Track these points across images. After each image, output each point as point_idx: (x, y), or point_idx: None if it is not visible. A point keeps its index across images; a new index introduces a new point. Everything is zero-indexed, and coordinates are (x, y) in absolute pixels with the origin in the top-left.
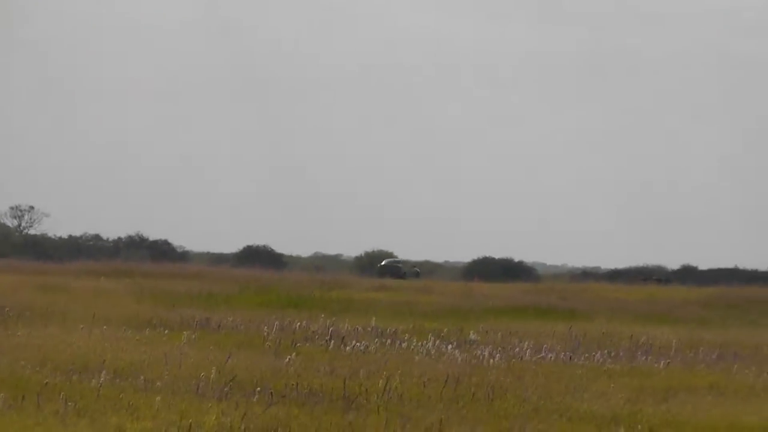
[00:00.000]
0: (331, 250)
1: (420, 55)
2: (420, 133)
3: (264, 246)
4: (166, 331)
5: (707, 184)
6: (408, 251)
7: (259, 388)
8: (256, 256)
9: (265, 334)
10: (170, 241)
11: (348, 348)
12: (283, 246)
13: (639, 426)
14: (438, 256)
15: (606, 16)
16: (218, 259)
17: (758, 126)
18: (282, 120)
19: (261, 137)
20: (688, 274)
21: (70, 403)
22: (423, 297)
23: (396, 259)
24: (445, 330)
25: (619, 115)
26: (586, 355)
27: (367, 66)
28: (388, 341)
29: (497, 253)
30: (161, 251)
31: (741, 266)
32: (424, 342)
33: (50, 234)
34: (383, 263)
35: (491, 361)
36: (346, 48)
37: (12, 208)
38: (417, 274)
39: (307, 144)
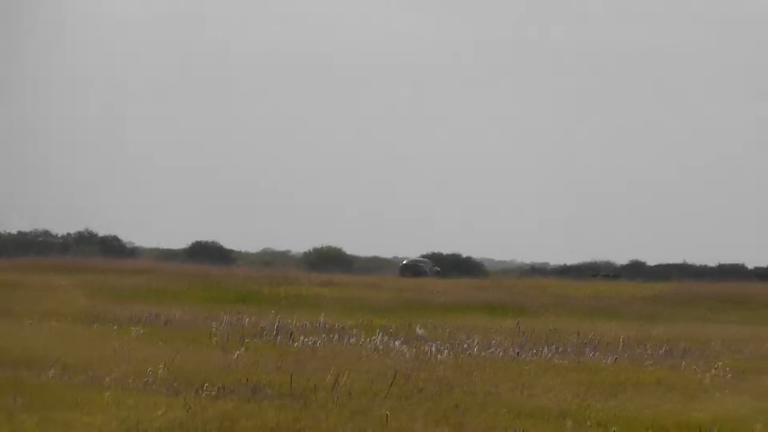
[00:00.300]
0: (279, 246)
1: (371, 52)
2: (367, 128)
3: (213, 242)
4: (115, 327)
5: (655, 179)
6: (356, 247)
7: (206, 384)
8: (205, 252)
9: (214, 329)
10: (119, 236)
11: (296, 344)
12: (231, 242)
13: (587, 421)
14: (386, 252)
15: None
16: (167, 254)
17: (704, 121)
18: (232, 116)
19: (211, 133)
20: (636, 270)
21: (18, 399)
22: (372, 293)
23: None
24: (393, 326)
25: (566, 110)
26: (534, 350)
27: (320, 60)
28: (336, 337)
29: (445, 249)
30: (110, 247)
31: (689, 261)
32: (372, 337)
33: None
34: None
35: (439, 356)
36: (293, 41)
37: None
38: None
39: (257, 139)
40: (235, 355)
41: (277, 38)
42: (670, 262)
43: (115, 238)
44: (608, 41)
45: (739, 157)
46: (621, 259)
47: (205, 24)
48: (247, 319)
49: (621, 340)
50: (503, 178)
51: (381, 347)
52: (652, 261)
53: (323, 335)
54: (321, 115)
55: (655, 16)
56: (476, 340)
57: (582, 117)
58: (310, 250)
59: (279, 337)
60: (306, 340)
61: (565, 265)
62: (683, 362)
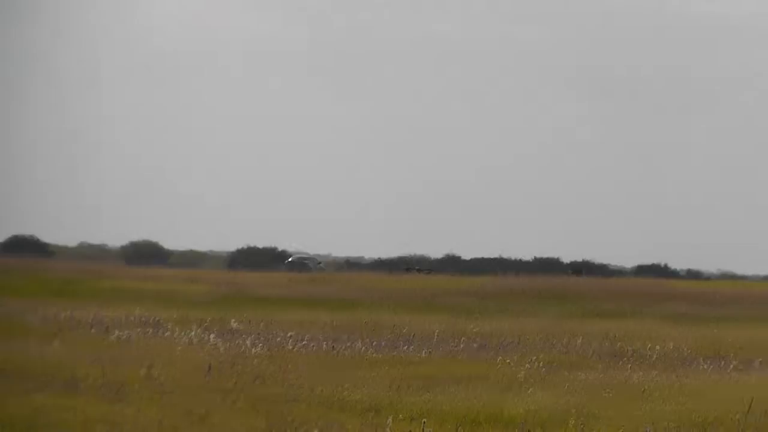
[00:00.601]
0: (96, 240)
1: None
2: (183, 118)
3: (30, 236)
4: None
5: (472, 173)
6: (173, 241)
7: (21, 377)
8: (23, 246)
9: (31, 323)
10: None
11: (112, 337)
12: (49, 235)
13: (400, 415)
14: (202, 245)
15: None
16: None
17: (523, 116)
18: (44, 103)
19: (26, 121)
20: (451, 264)
21: None
22: (189, 286)
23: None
24: (209, 319)
25: (382, 105)
26: (349, 344)
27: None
28: (152, 330)
29: (261, 242)
30: None
31: (505, 256)
32: (187, 331)
33: None
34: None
35: (254, 350)
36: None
37: None
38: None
39: (74, 129)
40: (51, 348)
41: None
42: (486, 256)
43: None
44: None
45: (546, 155)
46: (436, 253)
47: None
48: (64, 313)
49: (435, 334)
50: (319, 168)
51: (196, 340)
52: (467, 255)
53: (138, 329)
54: (144, 106)
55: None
56: (291, 334)
57: (394, 108)
58: (127, 244)
59: (94, 330)
60: (121, 333)
61: (380, 259)
62: (498, 356)
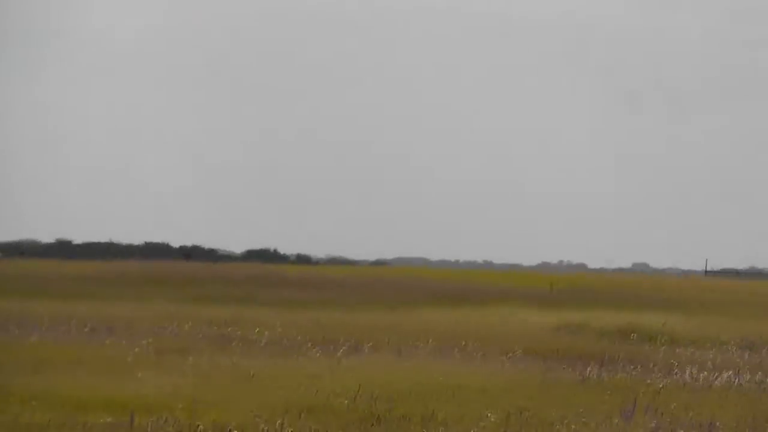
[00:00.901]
0: None
1: None
2: None
3: None
4: None
5: (90, 155)
6: None
7: None
8: None
9: None
10: None
11: None
12: None
13: (10, 398)
14: None
15: None
16: None
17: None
18: None
19: None
20: (62, 249)
21: None
22: None
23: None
24: None
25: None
26: None
27: None
28: None
29: None
30: None
31: (116, 240)
32: None
33: None
34: None
35: None
36: None
37: None
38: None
39: None
40: None
41: None
42: (97, 240)
43: None
44: None
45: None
46: (47, 237)
47: None
48: None
49: (46, 318)
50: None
51: None
52: (78, 239)
53: None
54: None
55: None
56: None
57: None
58: None
59: None
60: None
61: None
62: (107, 340)
